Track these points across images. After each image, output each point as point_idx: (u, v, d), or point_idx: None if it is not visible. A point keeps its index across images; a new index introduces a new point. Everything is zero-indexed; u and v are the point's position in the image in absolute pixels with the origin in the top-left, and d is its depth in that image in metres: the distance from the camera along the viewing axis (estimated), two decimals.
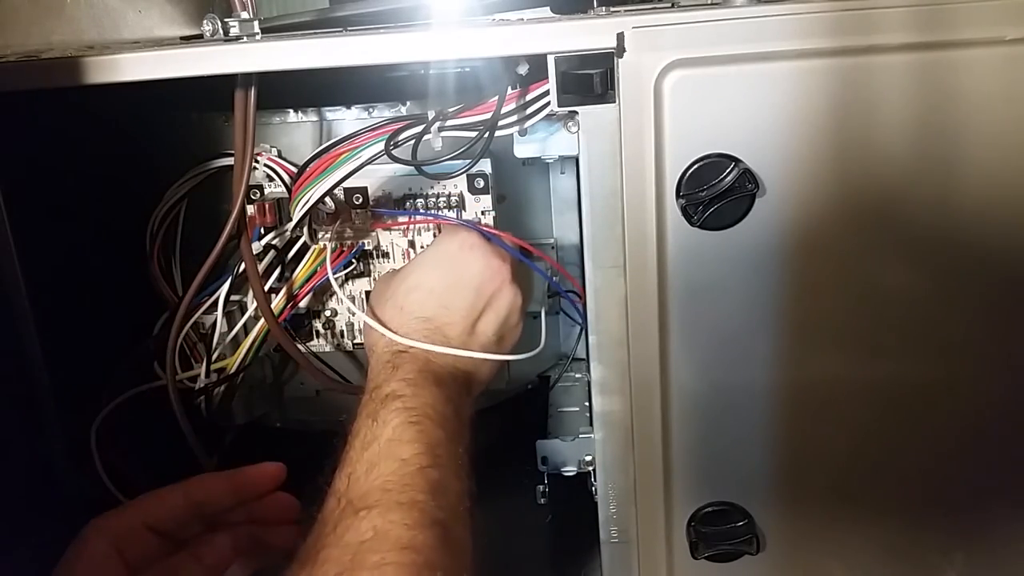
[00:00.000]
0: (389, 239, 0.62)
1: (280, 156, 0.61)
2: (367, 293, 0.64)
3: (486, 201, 0.60)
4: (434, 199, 0.60)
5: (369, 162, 0.52)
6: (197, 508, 0.50)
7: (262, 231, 0.61)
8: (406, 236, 0.62)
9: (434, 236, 0.61)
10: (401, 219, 0.61)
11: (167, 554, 0.49)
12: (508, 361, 0.57)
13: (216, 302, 0.61)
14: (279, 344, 0.62)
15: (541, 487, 0.62)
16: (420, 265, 0.55)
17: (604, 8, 0.51)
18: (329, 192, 0.54)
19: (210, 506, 0.51)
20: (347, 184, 0.58)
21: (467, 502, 0.45)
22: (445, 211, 0.60)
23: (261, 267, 0.60)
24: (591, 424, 0.59)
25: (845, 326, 0.47)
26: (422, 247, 0.62)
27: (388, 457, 0.43)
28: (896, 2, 0.42)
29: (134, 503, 0.50)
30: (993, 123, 0.43)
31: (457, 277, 0.54)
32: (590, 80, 0.44)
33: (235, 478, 0.52)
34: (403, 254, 0.62)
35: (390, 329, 0.53)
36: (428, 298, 0.53)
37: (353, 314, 0.65)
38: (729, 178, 0.44)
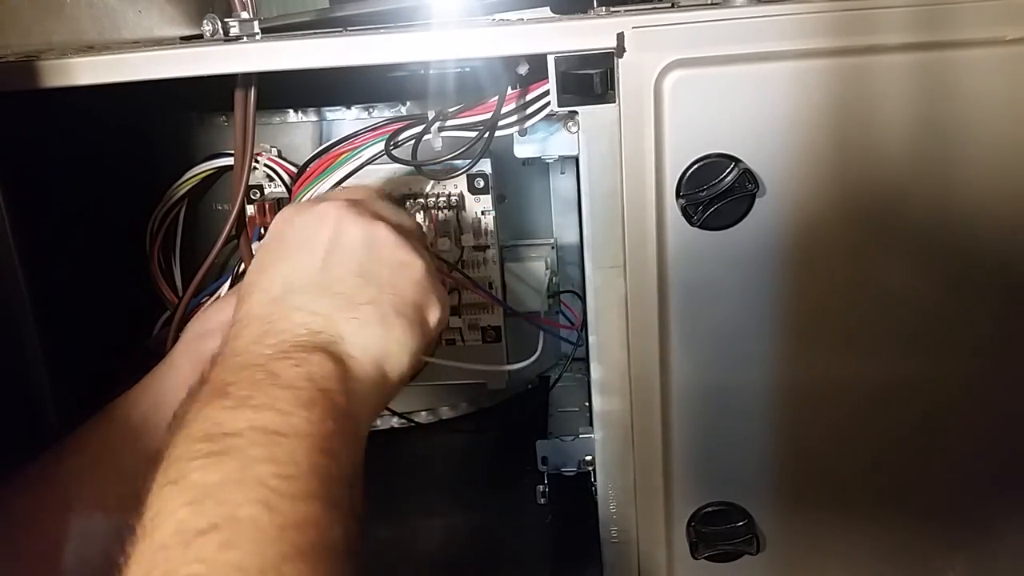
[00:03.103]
0: None
1: (280, 156, 0.61)
2: None
3: (486, 201, 0.60)
4: (434, 199, 0.60)
5: (369, 162, 0.52)
6: None
7: (262, 231, 0.61)
8: None
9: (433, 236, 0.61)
10: None
11: None
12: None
13: None
14: None
15: (541, 487, 0.62)
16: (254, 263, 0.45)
17: (604, 8, 0.51)
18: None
19: None
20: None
21: None
22: (445, 211, 0.60)
23: None
24: (591, 424, 0.59)
25: (845, 326, 0.47)
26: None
27: None
28: (896, 2, 0.42)
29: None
30: (993, 123, 0.43)
31: (280, 247, 0.43)
32: (590, 80, 0.44)
33: None
34: None
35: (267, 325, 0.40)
36: (272, 280, 0.42)
37: None
38: (729, 178, 0.44)
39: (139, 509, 0.32)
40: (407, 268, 0.42)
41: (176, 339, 0.58)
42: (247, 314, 0.41)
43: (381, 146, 0.52)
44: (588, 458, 0.58)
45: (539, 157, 0.53)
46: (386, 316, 0.41)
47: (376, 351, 0.40)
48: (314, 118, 0.62)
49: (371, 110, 0.61)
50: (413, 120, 0.52)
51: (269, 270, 0.42)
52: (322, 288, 0.41)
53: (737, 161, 0.44)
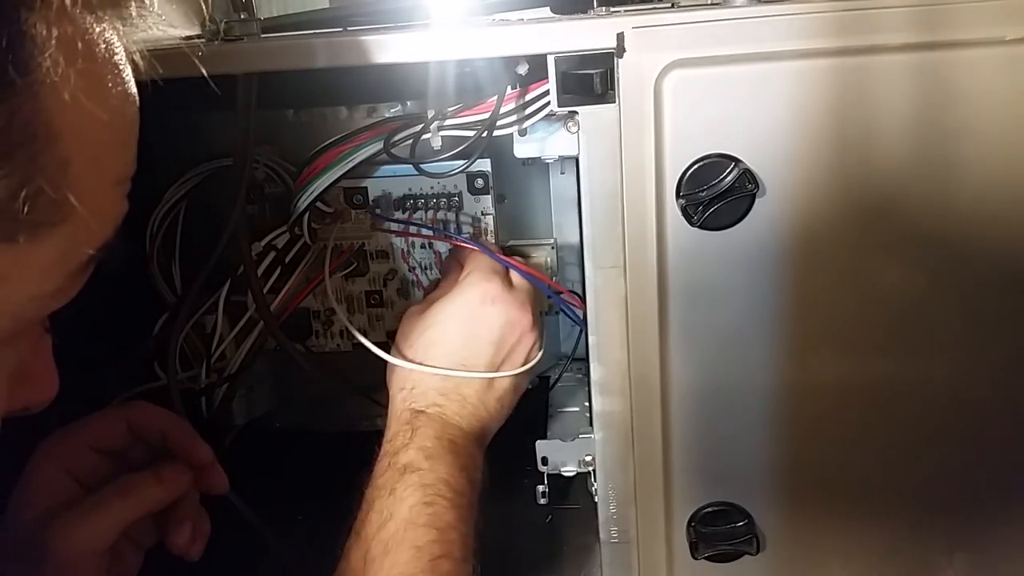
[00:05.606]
0: (388, 240, 0.62)
1: (280, 156, 0.61)
2: (367, 293, 0.64)
3: (486, 201, 0.60)
4: (434, 199, 0.60)
5: (368, 160, 0.52)
6: (139, 432, 0.51)
7: None
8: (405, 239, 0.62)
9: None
10: (402, 227, 0.61)
11: (121, 471, 0.49)
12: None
13: (216, 302, 0.61)
14: (279, 344, 0.62)
15: (541, 487, 0.62)
16: (439, 320, 0.54)
17: (604, 8, 0.51)
18: (328, 190, 0.54)
19: (150, 433, 0.51)
20: (347, 183, 0.58)
21: None
22: (445, 211, 0.60)
23: (262, 268, 0.60)
24: (591, 424, 0.59)
25: (845, 326, 0.47)
26: (422, 246, 0.62)
27: (403, 544, 0.45)
28: (896, 2, 0.42)
29: (79, 425, 0.50)
30: (993, 123, 0.43)
31: (477, 333, 0.53)
32: (590, 80, 0.44)
33: (169, 418, 0.52)
34: (402, 255, 0.62)
35: (406, 387, 0.53)
36: (447, 356, 0.53)
37: (350, 334, 0.65)
38: (729, 178, 0.44)
39: None
40: (534, 371, 0.58)
41: (177, 338, 0.58)
42: None
43: (380, 145, 0.52)
44: (588, 458, 0.58)
45: (539, 157, 0.53)
46: None
47: (485, 423, 0.55)
48: (314, 118, 0.62)
49: (371, 110, 0.61)
50: (412, 119, 0.52)
51: (472, 362, 0.54)
52: (486, 397, 0.55)
53: (737, 161, 0.44)
